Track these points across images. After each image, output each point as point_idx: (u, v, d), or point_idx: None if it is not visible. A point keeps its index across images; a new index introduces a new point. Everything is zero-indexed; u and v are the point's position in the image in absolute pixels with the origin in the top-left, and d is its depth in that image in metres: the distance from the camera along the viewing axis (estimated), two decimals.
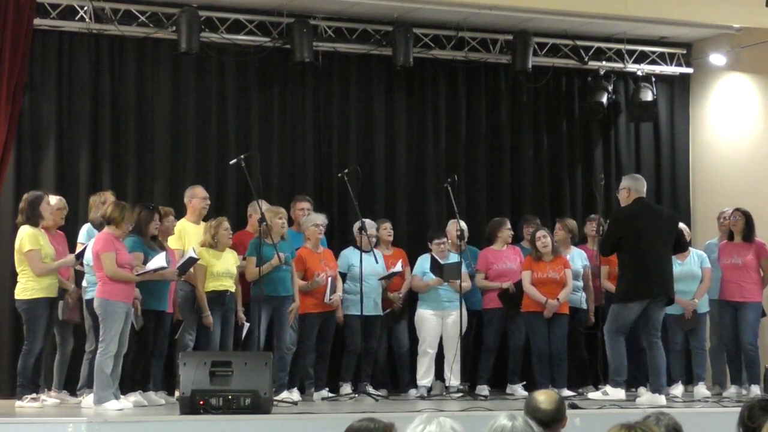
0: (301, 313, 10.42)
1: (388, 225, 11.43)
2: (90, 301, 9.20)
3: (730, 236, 11.19)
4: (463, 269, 10.90)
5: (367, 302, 10.66)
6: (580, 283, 11.27)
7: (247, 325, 10.16)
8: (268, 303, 10.03)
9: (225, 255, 10.04)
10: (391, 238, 11.39)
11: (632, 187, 10.03)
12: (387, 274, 10.96)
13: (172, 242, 10.10)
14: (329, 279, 10.47)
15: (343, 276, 10.87)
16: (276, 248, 9.97)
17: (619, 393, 9.86)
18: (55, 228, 9.90)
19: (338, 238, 11.60)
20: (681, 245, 10.29)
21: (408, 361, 11.23)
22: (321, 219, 10.69)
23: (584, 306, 11.34)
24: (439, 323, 10.99)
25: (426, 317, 11.00)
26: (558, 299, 10.83)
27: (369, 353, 10.94)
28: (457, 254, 10.95)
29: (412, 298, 11.25)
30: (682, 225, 10.79)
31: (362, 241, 10.76)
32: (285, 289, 10.18)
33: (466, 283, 10.97)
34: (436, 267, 10.84)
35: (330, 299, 10.46)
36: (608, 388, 9.99)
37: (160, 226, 9.79)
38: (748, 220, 11.09)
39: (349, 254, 11.04)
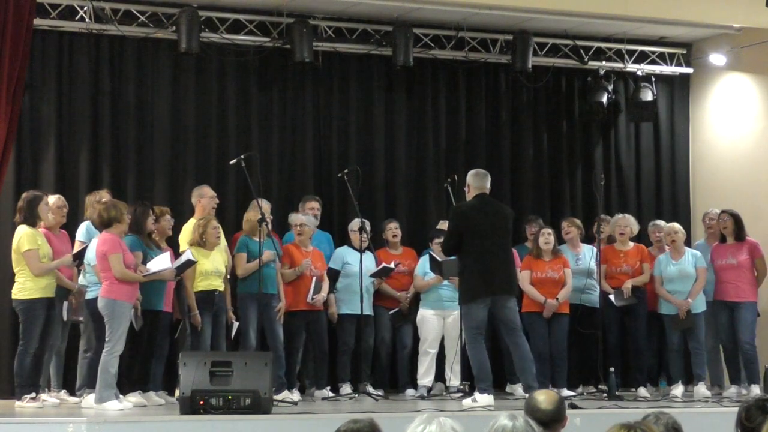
0: (285, 312, 10.42)
1: (393, 225, 11.43)
2: (91, 301, 9.19)
3: (722, 238, 11.20)
4: None
5: (363, 301, 10.66)
6: (594, 281, 11.20)
7: (236, 324, 10.16)
8: (256, 300, 10.03)
9: (214, 254, 10.02)
10: (397, 239, 11.38)
11: (472, 184, 9.75)
12: (376, 270, 10.92)
13: (183, 243, 10.14)
14: (313, 279, 10.46)
15: (338, 273, 10.87)
16: (261, 247, 9.95)
17: (487, 399, 9.32)
18: (57, 227, 9.91)
19: (338, 238, 11.59)
20: None
21: (407, 362, 11.23)
22: (299, 219, 10.68)
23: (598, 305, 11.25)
24: (440, 323, 10.98)
25: (427, 317, 11.00)
26: (557, 299, 10.83)
27: (366, 352, 10.95)
28: None
29: (419, 300, 11.24)
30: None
31: (361, 240, 10.75)
32: (272, 287, 10.21)
33: None
34: (435, 265, 10.83)
35: (312, 299, 10.45)
36: (476, 395, 9.39)
37: (157, 225, 9.80)
38: (736, 220, 11.11)
39: (344, 252, 11.05)
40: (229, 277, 10.26)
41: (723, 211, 11.23)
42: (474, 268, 9.49)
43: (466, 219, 9.57)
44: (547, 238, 10.92)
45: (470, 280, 9.52)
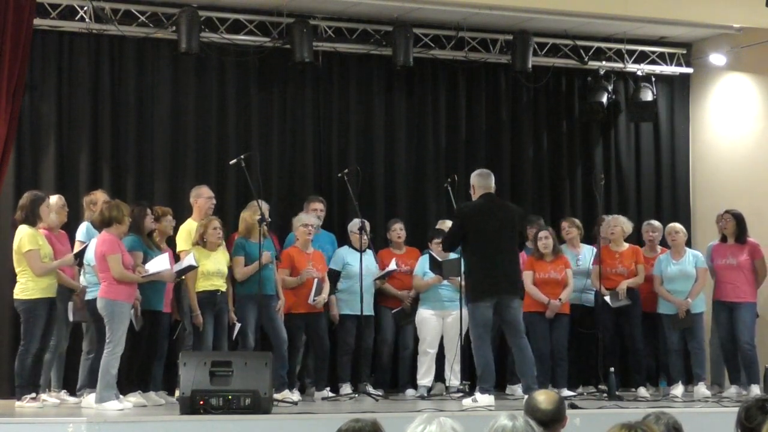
0: (285, 314, 10.41)
1: (398, 226, 11.43)
2: (91, 302, 9.20)
3: (723, 238, 11.21)
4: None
5: (363, 301, 10.66)
6: (589, 281, 11.22)
7: (238, 325, 10.16)
8: (255, 301, 10.03)
9: (216, 254, 10.03)
10: (401, 240, 11.38)
11: (476, 184, 9.74)
12: (382, 274, 10.94)
13: (180, 243, 10.14)
14: (315, 280, 10.46)
15: (339, 274, 10.87)
16: (260, 247, 9.94)
17: (487, 399, 9.37)
18: (58, 227, 9.91)
19: (338, 238, 11.59)
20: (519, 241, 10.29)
21: (409, 362, 11.23)
22: (311, 219, 10.68)
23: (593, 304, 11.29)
24: (439, 323, 10.98)
25: (426, 317, 11.00)
26: (560, 299, 10.84)
27: (366, 352, 10.95)
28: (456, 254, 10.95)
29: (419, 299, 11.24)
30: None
31: (361, 241, 10.76)
32: (271, 288, 10.21)
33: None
34: (435, 264, 10.83)
35: (314, 300, 10.46)
36: (477, 395, 9.43)
37: (158, 225, 9.80)
38: (738, 221, 11.11)
39: (344, 253, 11.05)
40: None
41: (726, 211, 11.23)
42: (480, 268, 9.51)
43: (470, 219, 9.57)
44: (545, 242, 10.92)
45: (476, 279, 9.55)
